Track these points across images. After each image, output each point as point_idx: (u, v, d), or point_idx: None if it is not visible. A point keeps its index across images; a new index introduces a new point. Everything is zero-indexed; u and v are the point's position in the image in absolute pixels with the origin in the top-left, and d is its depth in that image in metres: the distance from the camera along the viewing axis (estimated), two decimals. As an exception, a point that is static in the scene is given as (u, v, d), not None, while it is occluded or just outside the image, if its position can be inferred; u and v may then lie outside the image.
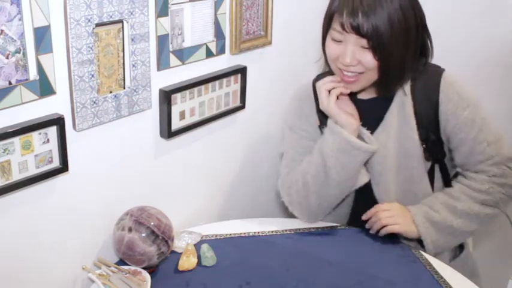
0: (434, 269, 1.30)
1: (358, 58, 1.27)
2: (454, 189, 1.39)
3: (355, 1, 1.23)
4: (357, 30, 1.23)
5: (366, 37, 1.23)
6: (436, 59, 1.43)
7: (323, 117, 1.41)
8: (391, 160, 1.37)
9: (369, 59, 1.26)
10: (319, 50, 1.39)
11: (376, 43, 1.23)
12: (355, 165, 1.34)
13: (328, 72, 1.41)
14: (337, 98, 1.34)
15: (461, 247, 1.52)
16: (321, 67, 1.47)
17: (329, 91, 1.34)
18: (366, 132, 1.36)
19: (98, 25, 1.16)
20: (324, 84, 1.34)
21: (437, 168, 1.43)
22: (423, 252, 1.37)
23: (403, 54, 1.28)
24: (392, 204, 1.39)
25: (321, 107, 1.35)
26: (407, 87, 1.36)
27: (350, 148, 1.31)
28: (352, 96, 1.39)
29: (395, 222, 1.37)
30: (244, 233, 1.44)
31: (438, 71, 1.37)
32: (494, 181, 1.36)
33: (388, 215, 1.38)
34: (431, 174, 1.41)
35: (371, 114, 1.37)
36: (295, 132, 1.48)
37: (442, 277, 1.27)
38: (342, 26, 1.25)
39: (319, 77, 1.43)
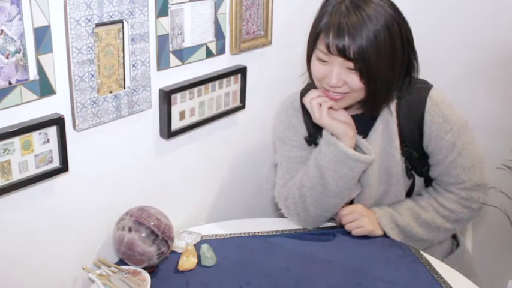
0: (434, 269, 1.30)
1: (344, 79, 1.25)
2: (422, 199, 1.42)
3: (341, 22, 1.20)
4: (343, 53, 1.21)
5: (352, 60, 1.21)
6: (435, 60, 1.43)
7: (313, 129, 1.41)
8: (373, 176, 1.38)
9: (355, 81, 1.24)
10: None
11: (363, 66, 1.21)
12: (354, 176, 1.33)
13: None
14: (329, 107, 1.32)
15: (457, 243, 1.53)
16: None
17: (319, 104, 1.31)
18: (362, 141, 1.35)
19: (98, 25, 1.16)
20: (313, 99, 1.31)
21: (420, 181, 1.44)
22: (423, 252, 1.37)
23: (389, 75, 1.26)
24: (355, 206, 1.42)
25: (314, 120, 1.33)
26: (392, 105, 1.35)
27: (348, 160, 1.30)
28: None
29: (358, 226, 1.40)
30: (244, 233, 1.44)
31: (425, 89, 1.36)
32: (460, 203, 1.39)
33: (350, 220, 1.41)
34: (411, 187, 1.44)
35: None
36: (287, 143, 1.46)
37: (442, 277, 1.27)
38: (328, 47, 1.22)
39: (307, 88, 1.42)
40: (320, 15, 1.27)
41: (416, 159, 1.39)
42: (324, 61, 1.26)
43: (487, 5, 1.81)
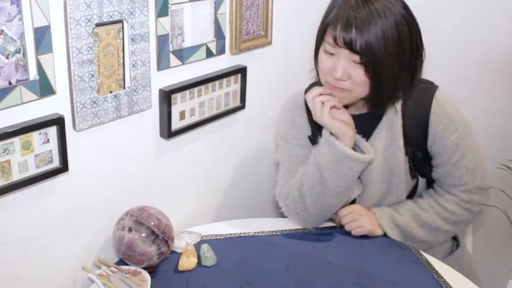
0: (434, 269, 1.30)
1: (349, 73, 1.25)
2: (423, 200, 1.42)
3: (350, 15, 1.21)
4: (349, 46, 1.21)
5: (358, 53, 1.21)
6: (436, 60, 1.43)
7: (316, 128, 1.41)
8: (376, 175, 1.38)
9: (359, 75, 1.24)
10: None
11: (369, 60, 1.21)
12: (353, 175, 1.33)
13: (319, 82, 1.38)
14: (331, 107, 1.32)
15: (457, 244, 1.53)
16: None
17: (322, 102, 1.31)
18: (362, 140, 1.35)
19: (98, 25, 1.16)
20: (316, 97, 1.31)
21: (422, 183, 1.44)
22: (423, 252, 1.37)
23: (395, 73, 1.25)
24: (353, 207, 1.42)
25: (315, 118, 1.32)
26: (398, 105, 1.35)
27: (347, 160, 1.30)
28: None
29: (358, 225, 1.41)
30: (244, 233, 1.44)
31: (431, 89, 1.36)
32: (461, 205, 1.39)
33: (349, 220, 1.41)
34: (413, 188, 1.44)
35: (360, 130, 1.35)
36: (289, 142, 1.46)
37: (442, 277, 1.27)
38: (335, 39, 1.23)
39: (311, 86, 1.42)
40: (329, 9, 1.27)
41: (420, 160, 1.39)
42: (331, 54, 1.26)
43: (488, 5, 1.81)
